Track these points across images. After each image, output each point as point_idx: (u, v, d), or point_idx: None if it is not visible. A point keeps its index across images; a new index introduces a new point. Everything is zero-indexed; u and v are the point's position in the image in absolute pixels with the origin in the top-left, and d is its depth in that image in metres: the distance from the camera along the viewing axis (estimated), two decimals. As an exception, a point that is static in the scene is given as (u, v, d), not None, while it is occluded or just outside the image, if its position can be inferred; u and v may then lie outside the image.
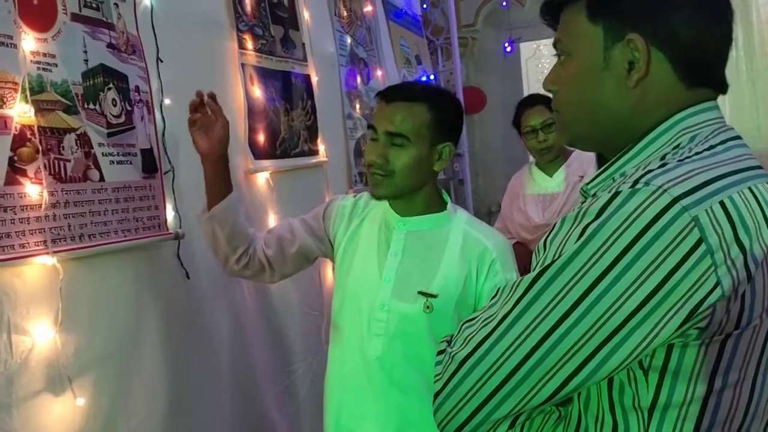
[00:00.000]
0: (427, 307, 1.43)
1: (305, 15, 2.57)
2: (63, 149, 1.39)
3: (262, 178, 2.19)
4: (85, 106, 1.46)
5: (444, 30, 4.81)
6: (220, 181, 1.53)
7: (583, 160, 2.61)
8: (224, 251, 1.56)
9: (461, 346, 0.82)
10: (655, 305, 0.72)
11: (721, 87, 0.88)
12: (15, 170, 1.28)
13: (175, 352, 1.66)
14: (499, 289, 0.84)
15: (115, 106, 1.55)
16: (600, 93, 0.87)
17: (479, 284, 1.46)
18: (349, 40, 3.05)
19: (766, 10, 4.14)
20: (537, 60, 6.67)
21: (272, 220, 2.16)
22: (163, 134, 1.69)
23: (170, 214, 1.69)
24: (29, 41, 1.33)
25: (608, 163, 0.89)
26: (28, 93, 1.31)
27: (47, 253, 1.30)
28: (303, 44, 2.52)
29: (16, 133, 1.29)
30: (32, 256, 1.28)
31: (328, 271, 2.34)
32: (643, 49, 0.83)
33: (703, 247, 0.72)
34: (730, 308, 0.73)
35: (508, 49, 5.38)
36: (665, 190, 0.73)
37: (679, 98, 0.85)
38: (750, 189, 0.78)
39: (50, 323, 1.31)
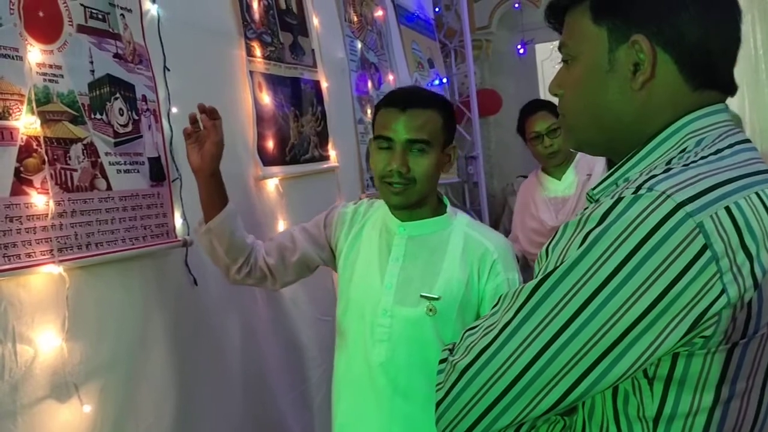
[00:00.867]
0: (430, 310, 1.43)
1: (315, 21, 2.58)
2: (69, 159, 1.40)
3: (271, 185, 2.19)
4: (92, 116, 1.47)
5: (457, 32, 4.79)
6: (213, 195, 1.53)
7: (589, 159, 2.59)
8: (224, 262, 1.57)
9: (463, 354, 0.81)
10: (659, 313, 0.71)
11: (729, 89, 0.86)
12: (21, 181, 1.29)
13: (183, 359, 1.67)
14: (501, 296, 0.83)
15: (122, 115, 1.56)
16: (605, 96, 0.86)
17: (481, 285, 1.46)
18: (359, 45, 3.05)
19: (786, 8, 4.07)
20: (552, 61, 6.62)
21: (281, 227, 2.17)
22: (171, 142, 1.70)
23: (178, 221, 1.70)
24: (35, 53, 1.35)
25: (613, 168, 0.87)
26: (34, 104, 1.32)
27: (53, 262, 1.31)
28: (312, 50, 2.53)
29: (22, 144, 1.30)
30: (38, 266, 1.29)
31: (340, 277, 2.33)
32: (648, 50, 0.81)
33: (708, 254, 0.70)
34: (736, 316, 0.71)
35: (521, 51, 5.35)
36: (669, 196, 0.72)
37: (685, 101, 0.83)
38: (757, 194, 0.76)
39: (56, 331, 1.32)
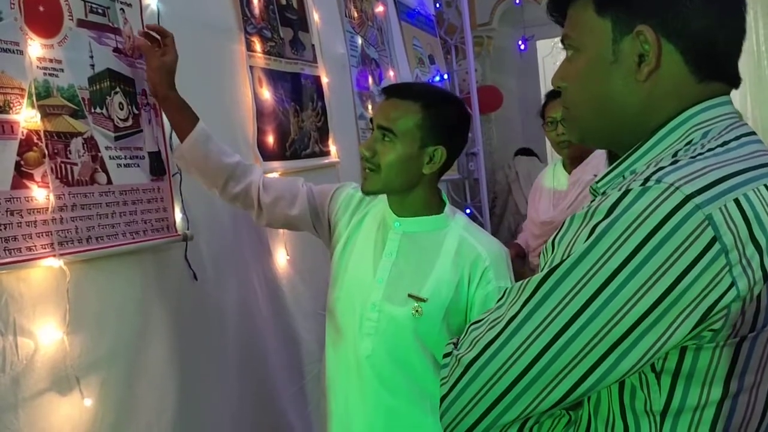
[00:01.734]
0: (416, 311, 1.42)
1: (315, 17, 2.57)
2: (70, 153, 1.39)
3: (272, 180, 2.18)
4: (92, 110, 1.47)
5: (458, 29, 4.78)
6: (180, 118, 1.55)
7: (600, 161, 2.58)
8: (208, 184, 1.61)
9: (468, 348, 0.80)
10: (667, 307, 0.70)
11: (734, 81, 0.85)
12: (21, 174, 1.28)
13: (184, 353, 1.67)
14: (506, 290, 0.82)
15: (122, 109, 1.55)
16: (609, 87, 0.85)
17: (471, 291, 1.44)
18: (360, 40, 3.04)
19: (788, 3, 4.06)
20: (554, 57, 6.59)
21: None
22: (171, 137, 1.69)
23: (178, 215, 1.69)
24: (35, 47, 1.34)
25: (618, 160, 0.87)
26: (34, 98, 1.32)
27: (54, 256, 1.31)
28: (313, 46, 2.52)
29: (23, 137, 1.29)
30: (38, 259, 1.29)
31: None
32: (653, 40, 0.80)
33: (717, 247, 0.69)
34: (746, 310, 0.71)
35: (522, 47, 5.34)
36: (677, 188, 0.71)
37: (690, 92, 0.82)
38: (765, 186, 0.75)
39: (57, 325, 1.32)
